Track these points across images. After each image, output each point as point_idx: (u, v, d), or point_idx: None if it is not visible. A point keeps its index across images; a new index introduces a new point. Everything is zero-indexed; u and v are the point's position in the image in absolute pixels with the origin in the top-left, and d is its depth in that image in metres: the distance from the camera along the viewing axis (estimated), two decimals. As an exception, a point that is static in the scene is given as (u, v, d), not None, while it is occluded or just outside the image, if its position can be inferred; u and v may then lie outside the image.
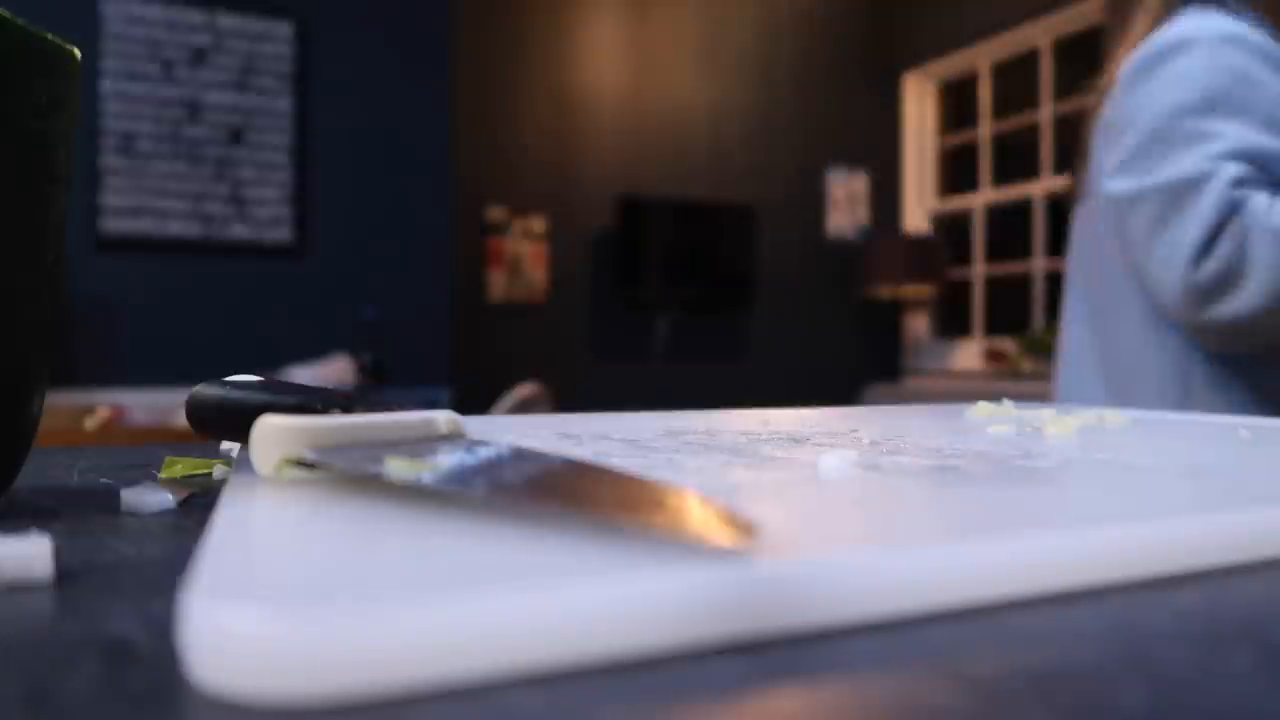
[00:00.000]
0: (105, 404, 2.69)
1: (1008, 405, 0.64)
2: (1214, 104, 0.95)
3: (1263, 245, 0.89)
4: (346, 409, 0.33)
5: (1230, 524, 0.26)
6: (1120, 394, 1.08)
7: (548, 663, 0.17)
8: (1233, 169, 0.92)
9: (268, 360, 2.95)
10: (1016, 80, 4.18)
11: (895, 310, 4.62)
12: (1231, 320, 0.92)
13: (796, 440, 0.45)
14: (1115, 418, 0.58)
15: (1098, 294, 1.11)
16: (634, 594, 0.18)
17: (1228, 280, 0.91)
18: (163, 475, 0.42)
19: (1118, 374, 1.08)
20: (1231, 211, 0.91)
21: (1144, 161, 0.98)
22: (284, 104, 3.09)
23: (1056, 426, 0.50)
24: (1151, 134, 0.97)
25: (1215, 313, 0.93)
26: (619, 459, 0.37)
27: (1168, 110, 0.97)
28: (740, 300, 4.18)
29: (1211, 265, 0.91)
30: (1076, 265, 1.15)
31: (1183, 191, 0.93)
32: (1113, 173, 1.01)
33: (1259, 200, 0.91)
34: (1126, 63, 1.04)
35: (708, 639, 0.19)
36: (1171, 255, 0.94)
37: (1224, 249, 0.91)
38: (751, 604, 0.19)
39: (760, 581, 0.19)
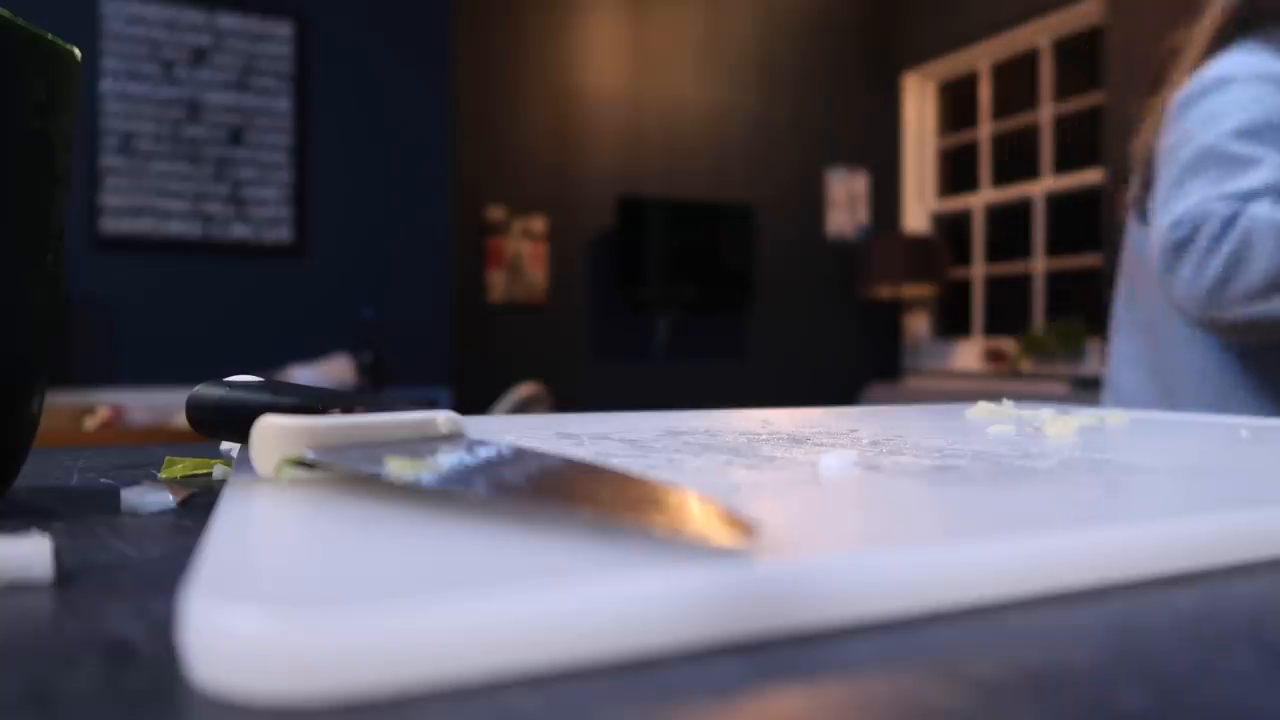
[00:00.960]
0: (105, 404, 2.69)
1: (1008, 405, 0.64)
2: (1247, 136, 0.99)
3: (1262, 237, 0.93)
4: (347, 409, 0.33)
5: (1230, 524, 0.26)
6: (1167, 396, 1.14)
7: (548, 663, 0.17)
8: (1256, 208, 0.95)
9: (268, 360, 2.95)
10: (1016, 80, 4.18)
11: (895, 310, 4.62)
12: (1240, 302, 0.96)
13: (796, 440, 0.45)
14: (1115, 418, 0.58)
15: (1144, 304, 1.17)
16: (634, 594, 0.18)
17: (1232, 271, 0.95)
18: (163, 475, 0.42)
19: (1164, 376, 1.15)
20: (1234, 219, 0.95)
21: (1176, 190, 1.02)
22: (284, 104, 3.09)
23: (1056, 426, 0.50)
24: (1185, 167, 1.02)
25: (1224, 308, 0.97)
26: (619, 459, 0.37)
27: (1198, 148, 1.01)
28: (740, 300, 4.18)
29: (1216, 262, 0.95)
30: (1125, 274, 1.22)
31: (1200, 224, 0.98)
32: (1160, 201, 1.06)
33: (1261, 205, 0.94)
34: (1176, 94, 1.10)
35: (708, 639, 0.19)
36: (1193, 280, 0.98)
37: (1228, 246, 0.95)
38: (751, 604, 0.19)
39: (760, 581, 0.19)
